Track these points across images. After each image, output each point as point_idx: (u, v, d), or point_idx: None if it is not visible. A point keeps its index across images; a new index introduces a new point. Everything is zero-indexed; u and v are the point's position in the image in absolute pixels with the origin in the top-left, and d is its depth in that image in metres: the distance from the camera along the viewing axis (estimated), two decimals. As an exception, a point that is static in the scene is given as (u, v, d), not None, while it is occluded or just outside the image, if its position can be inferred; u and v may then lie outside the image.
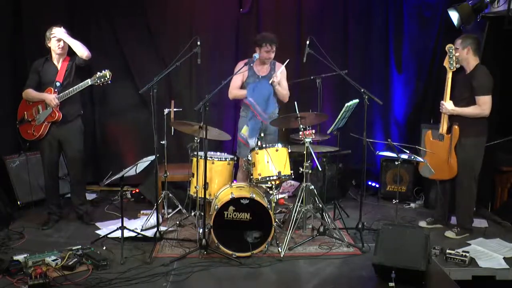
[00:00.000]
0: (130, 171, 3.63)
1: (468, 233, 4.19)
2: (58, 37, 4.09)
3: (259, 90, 4.33)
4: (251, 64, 4.29)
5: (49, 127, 4.16)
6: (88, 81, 4.12)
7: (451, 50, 4.00)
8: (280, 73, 4.36)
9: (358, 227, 3.99)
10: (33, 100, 4.17)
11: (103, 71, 4.12)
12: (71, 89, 4.11)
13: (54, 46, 4.12)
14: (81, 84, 4.13)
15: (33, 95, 4.16)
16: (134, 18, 5.33)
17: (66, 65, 4.19)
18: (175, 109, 4.74)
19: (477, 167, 4.10)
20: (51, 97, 4.06)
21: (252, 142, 4.24)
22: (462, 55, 4.02)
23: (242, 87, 4.46)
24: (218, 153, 4.23)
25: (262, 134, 4.16)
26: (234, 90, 4.44)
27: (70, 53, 4.23)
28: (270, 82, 4.29)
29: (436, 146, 4.15)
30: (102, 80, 4.12)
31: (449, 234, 4.18)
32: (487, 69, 4.01)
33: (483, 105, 3.93)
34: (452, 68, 4.00)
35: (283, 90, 4.40)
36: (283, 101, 4.51)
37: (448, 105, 4.04)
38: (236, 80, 4.41)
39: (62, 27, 4.13)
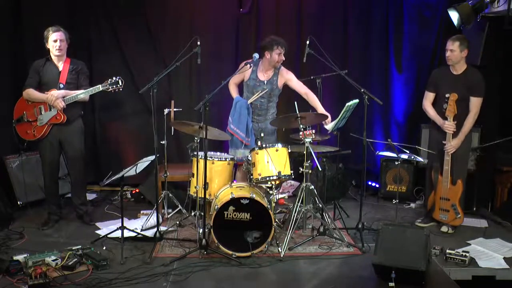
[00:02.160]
0: (130, 171, 3.63)
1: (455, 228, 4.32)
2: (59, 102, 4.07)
3: (239, 112, 4.32)
4: (251, 65, 4.28)
5: (51, 127, 4.16)
6: (99, 87, 4.10)
7: (451, 98, 4.05)
8: (292, 79, 4.39)
9: (358, 227, 3.99)
10: (34, 100, 4.15)
11: (114, 78, 4.11)
12: (79, 92, 4.11)
13: (51, 47, 4.10)
14: (90, 89, 4.12)
15: (35, 95, 4.13)
16: (134, 18, 5.33)
17: (68, 67, 4.17)
18: (175, 109, 4.74)
19: (467, 160, 4.37)
20: (58, 101, 4.04)
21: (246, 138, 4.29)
22: (458, 57, 4.10)
23: (241, 86, 4.50)
24: (218, 153, 4.23)
25: (262, 134, 4.15)
26: (232, 84, 4.52)
27: (69, 54, 4.23)
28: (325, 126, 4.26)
29: (452, 190, 4.22)
30: (114, 87, 4.11)
31: (445, 229, 4.25)
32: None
33: (475, 108, 4.06)
34: (450, 115, 4.08)
35: (313, 99, 4.34)
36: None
37: (454, 142, 4.11)
38: (235, 76, 4.42)
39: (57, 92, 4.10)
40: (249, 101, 4.34)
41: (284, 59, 4.31)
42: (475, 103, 4.06)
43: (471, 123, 4.11)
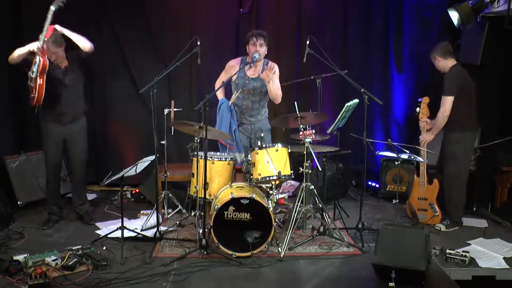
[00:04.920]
0: (130, 171, 3.63)
1: (457, 226, 4.30)
2: (58, 30, 4.03)
3: (221, 115, 4.27)
4: (251, 65, 4.26)
5: (53, 127, 4.13)
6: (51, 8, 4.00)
7: (424, 101, 4.36)
8: (273, 73, 4.25)
9: (358, 227, 3.99)
10: (20, 57, 4.00)
11: None
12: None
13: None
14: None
15: (18, 51, 3.99)
16: (134, 18, 5.33)
17: (69, 67, 4.17)
18: (175, 109, 4.74)
19: (464, 161, 4.27)
20: (35, 43, 3.93)
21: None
22: (436, 65, 4.28)
23: (229, 86, 4.42)
24: (218, 153, 4.23)
25: (262, 134, 4.14)
26: (219, 85, 4.38)
27: (70, 48, 4.21)
28: (262, 77, 4.15)
29: (429, 190, 4.41)
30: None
31: (440, 226, 4.29)
32: (458, 69, 4.19)
33: (442, 105, 4.14)
34: (423, 118, 4.36)
35: (276, 89, 4.24)
36: (274, 102, 4.35)
37: (426, 136, 4.33)
38: (222, 77, 4.41)
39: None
40: (230, 102, 4.26)
41: (260, 51, 4.15)
42: (441, 101, 4.16)
43: (439, 121, 4.18)
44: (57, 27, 4.06)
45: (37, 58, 3.93)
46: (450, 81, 4.13)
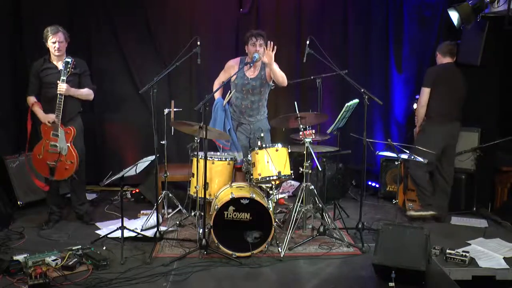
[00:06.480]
0: (130, 171, 3.63)
1: (429, 210, 4.44)
2: (63, 93, 4.03)
3: (215, 114, 4.30)
4: (251, 65, 4.25)
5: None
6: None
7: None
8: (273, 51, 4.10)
9: (358, 227, 3.99)
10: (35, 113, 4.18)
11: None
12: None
13: (51, 47, 4.09)
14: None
15: (34, 109, 4.17)
16: (134, 18, 5.34)
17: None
18: (175, 109, 4.74)
19: (422, 148, 4.16)
20: (50, 117, 4.06)
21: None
22: (436, 60, 4.55)
23: (228, 86, 4.41)
24: (218, 153, 4.23)
25: (262, 134, 4.13)
26: (217, 85, 4.42)
27: (69, 53, 4.22)
28: (264, 60, 4.09)
29: None
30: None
31: (409, 212, 4.56)
32: (444, 65, 4.41)
33: (420, 96, 4.44)
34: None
35: (279, 71, 4.15)
36: (282, 85, 4.25)
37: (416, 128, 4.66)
38: (221, 77, 4.42)
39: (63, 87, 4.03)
40: (224, 102, 4.27)
41: (260, 50, 4.13)
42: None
43: (417, 111, 4.50)
44: (61, 89, 4.03)
45: (62, 131, 4.08)
46: (428, 74, 4.39)
